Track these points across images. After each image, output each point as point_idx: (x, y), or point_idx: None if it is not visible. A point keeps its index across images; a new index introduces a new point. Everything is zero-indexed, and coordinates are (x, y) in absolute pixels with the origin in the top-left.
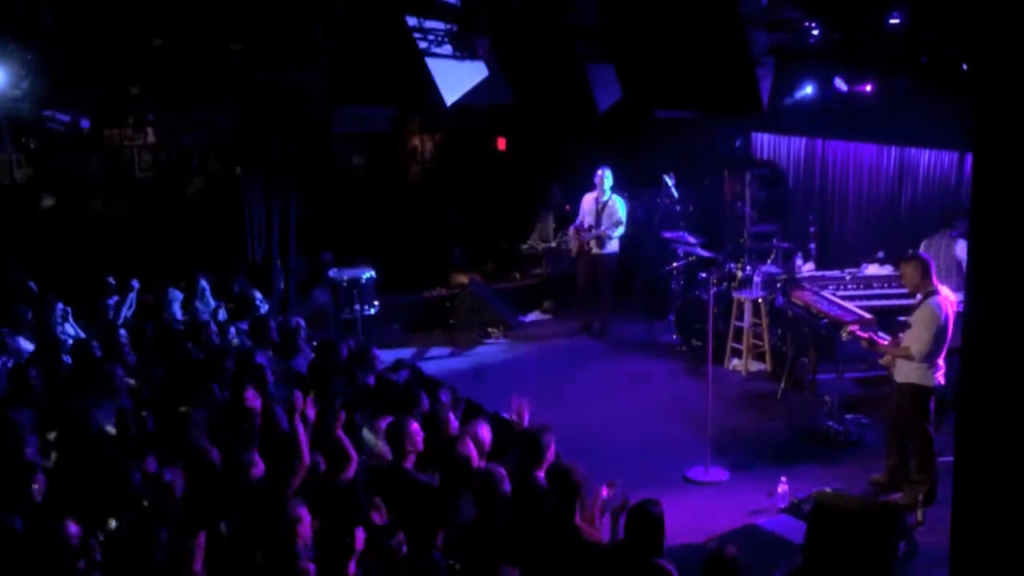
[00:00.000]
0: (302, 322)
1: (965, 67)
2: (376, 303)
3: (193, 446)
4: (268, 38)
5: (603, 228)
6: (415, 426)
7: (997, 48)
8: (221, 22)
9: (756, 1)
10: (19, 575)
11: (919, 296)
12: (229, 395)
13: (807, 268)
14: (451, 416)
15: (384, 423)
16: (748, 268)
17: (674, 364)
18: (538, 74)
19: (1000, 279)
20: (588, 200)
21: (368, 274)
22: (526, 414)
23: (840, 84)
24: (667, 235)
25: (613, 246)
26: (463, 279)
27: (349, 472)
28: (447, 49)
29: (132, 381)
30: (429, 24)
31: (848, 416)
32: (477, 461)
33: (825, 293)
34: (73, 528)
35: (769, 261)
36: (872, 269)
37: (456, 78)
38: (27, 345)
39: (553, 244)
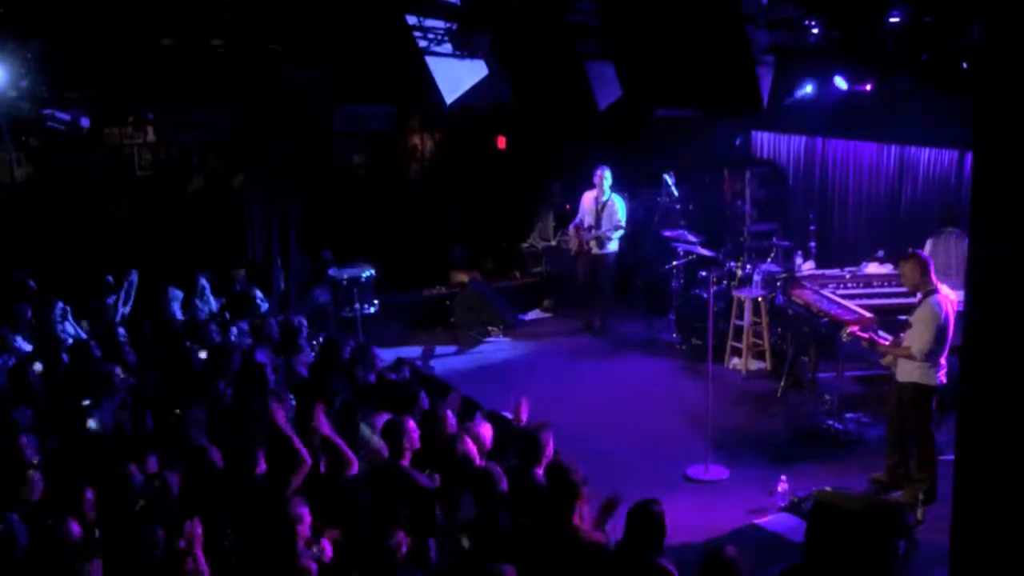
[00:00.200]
0: (303, 321)
1: (965, 66)
2: (376, 302)
3: (192, 445)
4: (268, 37)
5: (603, 230)
6: (412, 424)
7: (997, 48)
8: (221, 21)
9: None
10: (19, 575)
11: (919, 295)
12: (232, 394)
13: (807, 267)
14: (450, 415)
15: (381, 419)
16: (748, 267)
17: (674, 363)
18: (538, 73)
19: (1000, 279)
20: (588, 199)
21: (368, 273)
22: (524, 412)
23: (840, 83)
24: (667, 234)
25: (613, 245)
26: (463, 278)
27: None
28: (447, 48)
29: (132, 380)
30: (429, 23)
31: (848, 415)
32: (478, 460)
33: (825, 292)
34: (74, 528)
35: (769, 260)
36: (872, 268)
37: (456, 77)
38: (25, 345)
39: (553, 243)
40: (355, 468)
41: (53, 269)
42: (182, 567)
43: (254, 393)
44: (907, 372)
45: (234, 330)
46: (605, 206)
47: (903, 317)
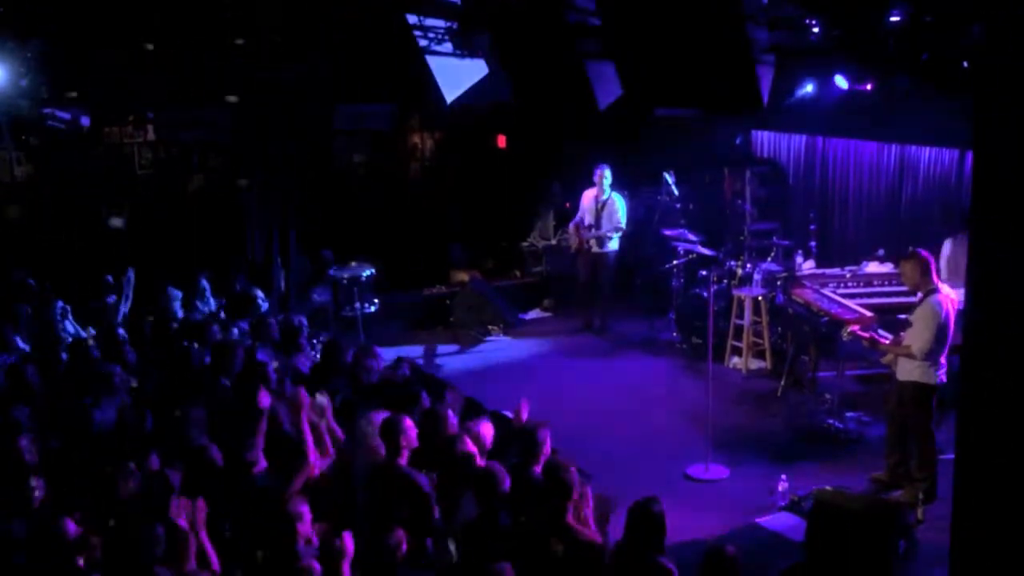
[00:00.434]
0: (304, 321)
1: (965, 65)
2: (376, 301)
3: (193, 444)
4: (268, 36)
5: (603, 230)
6: (409, 422)
7: (997, 47)
8: (221, 20)
9: None
10: (18, 574)
11: (920, 294)
12: (233, 393)
13: (807, 266)
14: (451, 414)
15: (379, 417)
16: (748, 266)
17: (674, 362)
18: (538, 72)
19: (1000, 279)
20: (588, 197)
21: (368, 272)
22: (525, 413)
23: (840, 82)
24: (667, 233)
25: (613, 244)
26: (463, 277)
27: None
28: (447, 47)
29: (132, 379)
30: (429, 22)
31: (848, 414)
32: (479, 459)
33: (826, 291)
34: (71, 527)
35: (769, 259)
36: (872, 267)
37: (456, 76)
38: (22, 344)
39: (553, 242)
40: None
41: (53, 268)
42: (185, 552)
43: (255, 392)
44: (907, 371)
45: (235, 330)
46: (605, 205)
47: (903, 316)
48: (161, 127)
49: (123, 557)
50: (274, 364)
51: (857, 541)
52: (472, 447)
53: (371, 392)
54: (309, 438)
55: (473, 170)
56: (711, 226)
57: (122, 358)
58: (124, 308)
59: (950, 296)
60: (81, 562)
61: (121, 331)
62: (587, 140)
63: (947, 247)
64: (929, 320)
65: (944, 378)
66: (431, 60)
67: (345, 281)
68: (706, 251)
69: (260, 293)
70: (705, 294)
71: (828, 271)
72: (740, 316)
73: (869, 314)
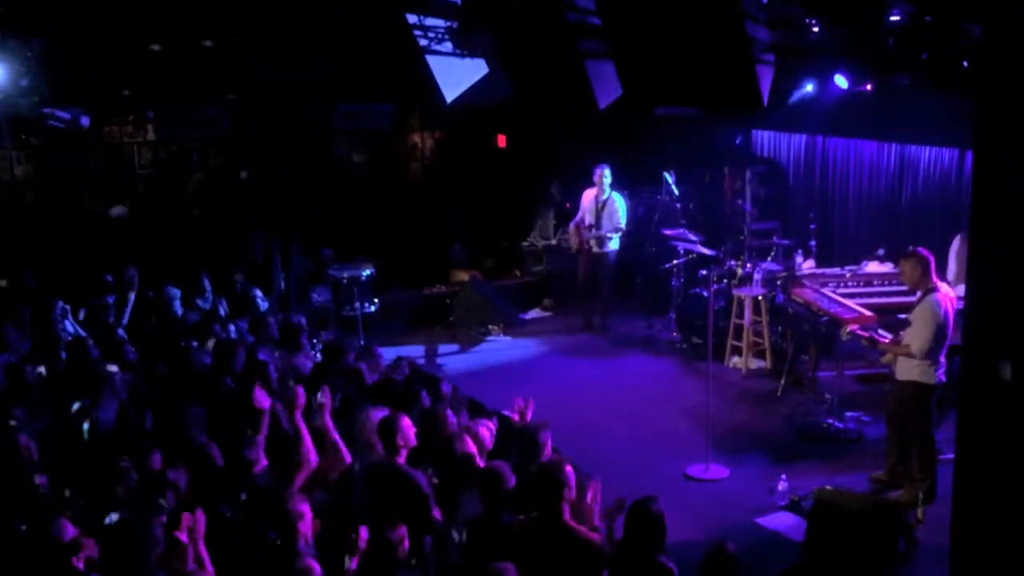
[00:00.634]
0: (303, 320)
1: (965, 65)
2: (376, 300)
3: (193, 443)
4: (268, 36)
5: (603, 230)
6: (407, 421)
7: (997, 47)
8: (221, 20)
9: None
10: (16, 574)
11: (919, 293)
12: (234, 392)
13: (807, 265)
14: (450, 413)
15: (377, 414)
16: (748, 265)
17: (674, 361)
18: (538, 71)
19: (1000, 279)
20: (588, 197)
21: (368, 271)
22: (530, 412)
23: (840, 81)
24: (667, 232)
25: (613, 244)
26: (463, 276)
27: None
28: (447, 47)
29: (132, 378)
30: (429, 22)
31: (848, 413)
32: (478, 459)
33: (825, 290)
34: (68, 527)
35: (769, 258)
36: (872, 266)
37: (456, 76)
38: (22, 343)
39: (553, 241)
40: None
41: (53, 267)
42: (183, 560)
43: (255, 391)
44: (907, 370)
45: (233, 328)
46: (605, 204)
47: (903, 316)
48: (161, 126)
49: (121, 557)
50: (274, 363)
51: (857, 541)
52: (472, 447)
53: (371, 392)
54: (307, 438)
55: (473, 170)
56: (711, 226)
57: (122, 357)
58: (127, 312)
59: (949, 295)
60: (80, 563)
61: (120, 330)
62: (587, 140)
63: (956, 242)
64: (928, 319)
65: (943, 377)
66: (431, 60)
67: (345, 281)
68: (706, 251)
69: (259, 292)
70: (705, 293)
71: (828, 270)
72: (740, 316)
73: (869, 314)
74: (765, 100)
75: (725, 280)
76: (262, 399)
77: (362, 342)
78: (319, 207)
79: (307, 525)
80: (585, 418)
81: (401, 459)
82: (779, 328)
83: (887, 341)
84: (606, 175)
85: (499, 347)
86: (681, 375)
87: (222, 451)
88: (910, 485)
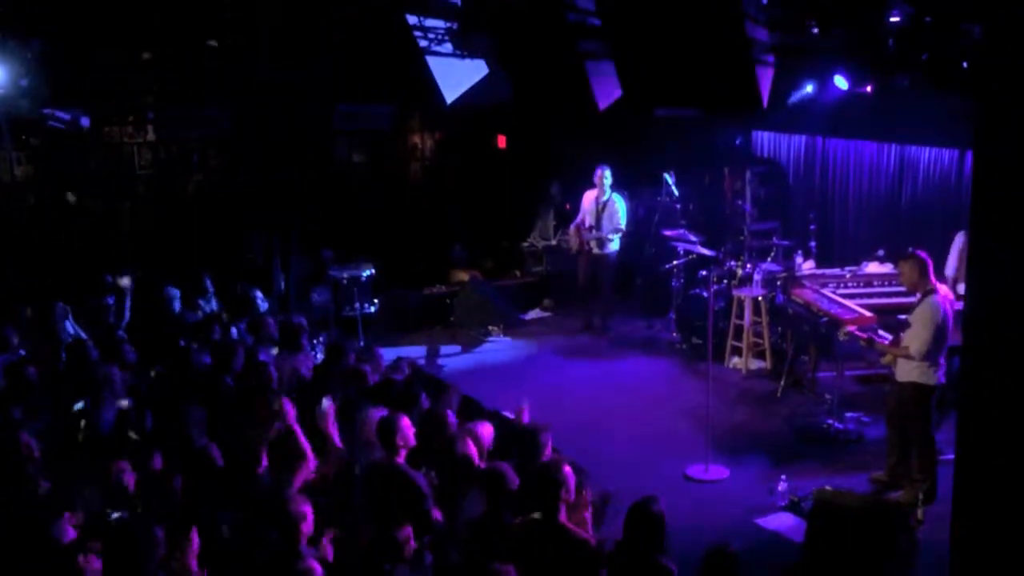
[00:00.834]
0: (304, 321)
1: (965, 65)
2: (376, 301)
3: (193, 444)
4: (268, 36)
5: (604, 231)
6: (406, 421)
7: (997, 47)
8: (221, 20)
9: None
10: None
11: (918, 295)
12: (234, 393)
13: (807, 266)
14: (451, 414)
15: (376, 414)
16: (748, 266)
17: (674, 362)
18: (538, 72)
19: (1000, 279)
20: (588, 198)
21: (368, 272)
22: (526, 417)
23: (840, 82)
24: (667, 233)
25: (613, 245)
26: (463, 277)
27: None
28: (447, 47)
29: (132, 379)
30: (429, 22)
31: (848, 414)
32: (477, 460)
33: (825, 291)
34: (68, 528)
35: (769, 259)
36: (872, 267)
37: (456, 76)
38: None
39: (553, 242)
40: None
41: (53, 268)
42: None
43: (256, 392)
44: (906, 371)
45: (234, 330)
46: (606, 206)
47: (903, 316)
48: (161, 127)
49: (122, 559)
50: (274, 364)
51: (857, 541)
52: (472, 448)
53: (372, 392)
54: (302, 438)
55: (473, 170)
56: (711, 226)
57: (121, 358)
58: (126, 313)
59: (949, 296)
60: (80, 563)
61: (120, 331)
62: (587, 140)
63: (960, 239)
64: (927, 321)
65: (943, 378)
66: (431, 60)
67: (345, 281)
68: (706, 251)
69: (259, 293)
70: (705, 294)
71: (828, 271)
72: (740, 316)
73: (869, 314)
74: (765, 101)
75: (725, 281)
76: (262, 400)
77: (362, 342)
78: (319, 208)
79: (309, 526)
80: (585, 418)
81: (400, 459)
82: (779, 329)
83: (886, 342)
84: (606, 176)
85: (499, 347)
86: (681, 376)
87: (222, 452)
88: (910, 486)
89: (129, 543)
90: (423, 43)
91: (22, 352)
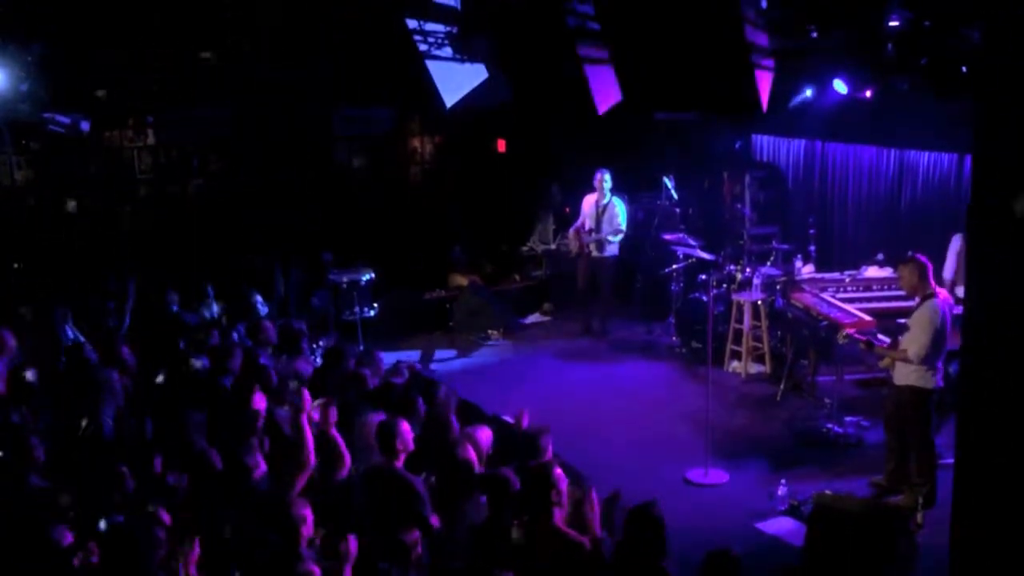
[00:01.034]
0: (303, 325)
1: (964, 69)
2: (376, 305)
3: (193, 448)
4: (269, 40)
5: (603, 233)
6: (405, 426)
7: (996, 51)
8: (222, 24)
9: (756, 3)
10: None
11: (917, 298)
12: (233, 397)
13: (807, 270)
14: (452, 419)
15: (376, 418)
16: (748, 270)
17: (674, 366)
18: (538, 76)
19: (1000, 280)
20: (588, 202)
21: (368, 276)
22: (525, 421)
23: (839, 87)
24: (667, 237)
25: (613, 249)
26: (463, 281)
27: (343, 473)
28: (447, 51)
29: (131, 383)
30: (429, 27)
31: (848, 418)
32: (477, 465)
33: (825, 295)
34: (65, 531)
35: (769, 263)
36: (872, 271)
37: (456, 80)
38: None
39: (553, 246)
40: (347, 469)
41: (53, 272)
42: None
43: (254, 396)
44: (905, 375)
45: (235, 334)
46: (606, 209)
47: (903, 320)
48: (161, 131)
49: (123, 562)
50: (275, 368)
51: (857, 545)
52: (471, 452)
53: (372, 396)
54: (310, 441)
55: (473, 174)
56: (710, 230)
57: (121, 362)
58: (126, 316)
59: (948, 300)
60: (78, 565)
61: (120, 335)
62: (586, 144)
63: (957, 242)
64: (926, 324)
65: (942, 382)
66: (431, 65)
67: (345, 285)
68: (705, 255)
69: (259, 297)
70: (704, 298)
71: (827, 275)
72: (739, 320)
73: (869, 318)
74: (765, 105)
75: (724, 285)
76: (259, 401)
77: (361, 347)
78: (319, 211)
79: (309, 529)
80: (584, 422)
81: (400, 463)
82: (778, 333)
83: (885, 346)
84: (606, 179)
85: (498, 351)
86: (680, 380)
87: (221, 455)
88: (910, 490)
89: (129, 545)
90: (423, 47)
91: (24, 354)
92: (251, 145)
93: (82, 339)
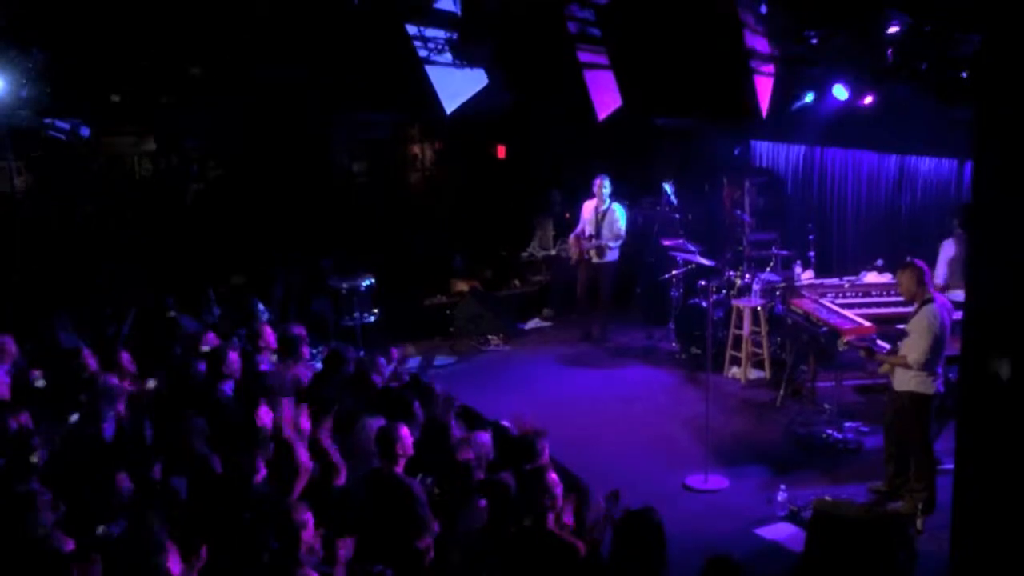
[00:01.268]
0: (303, 330)
1: (964, 75)
2: (376, 310)
3: (195, 453)
4: (269, 44)
5: (603, 239)
6: (405, 430)
7: (996, 57)
8: (222, 28)
9: (756, 10)
10: None
11: (916, 304)
12: (232, 402)
13: (806, 276)
14: (453, 424)
15: (376, 424)
16: (747, 276)
17: (673, 372)
18: (538, 82)
19: (999, 288)
20: (588, 208)
21: (368, 281)
22: (523, 425)
23: (839, 92)
24: (667, 243)
25: (613, 254)
26: (463, 286)
27: (339, 480)
28: (447, 58)
29: (131, 389)
30: (429, 33)
31: (847, 424)
32: (476, 470)
33: (824, 301)
34: (68, 543)
35: (768, 269)
36: (871, 277)
37: (456, 86)
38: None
39: (553, 252)
40: (343, 477)
41: (53, 278)
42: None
43: (255, 400)
44: (904, 381)
45: (235, 340)
46: (605, 215)
47: (902, 326)
48: (161, 137)
49: (126, 568)
50: (274, 373)
51: (856, 551)
52: (473, 458)
53: (371, 401)
54: (301, 446)
55: (473, 180)
56: (710, 236)
57: (120, 368)
58: (125, 327)
59: (947, 306)
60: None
61: (120, 341)
62: (586, 150)
63: (950, 248)
64: (925, 330)
65: (942, 388)
66: (431, 70)
67: (345, 291)
68: (705, 261)
69: (260, 303)
70: (704, 304)
71: (827, 281)
72: (739, 326)
73: (868, 324)
74: (764, 111)
75: (724, 290)
76: (261, 408)
77: (362, 353)
78: (319, 216)
79: (309, 534)
80: (584, 428)
81: (399, 468)
82: (778, 338)
83: (885, 352)
84: (605, 185)
85: (498, 357)
86: (680, 385)
87: (220, 460)
88: (909, 496)
89: (133, 553)
90: (423, 53)
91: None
92: (251, 151)
93: (81, 345)
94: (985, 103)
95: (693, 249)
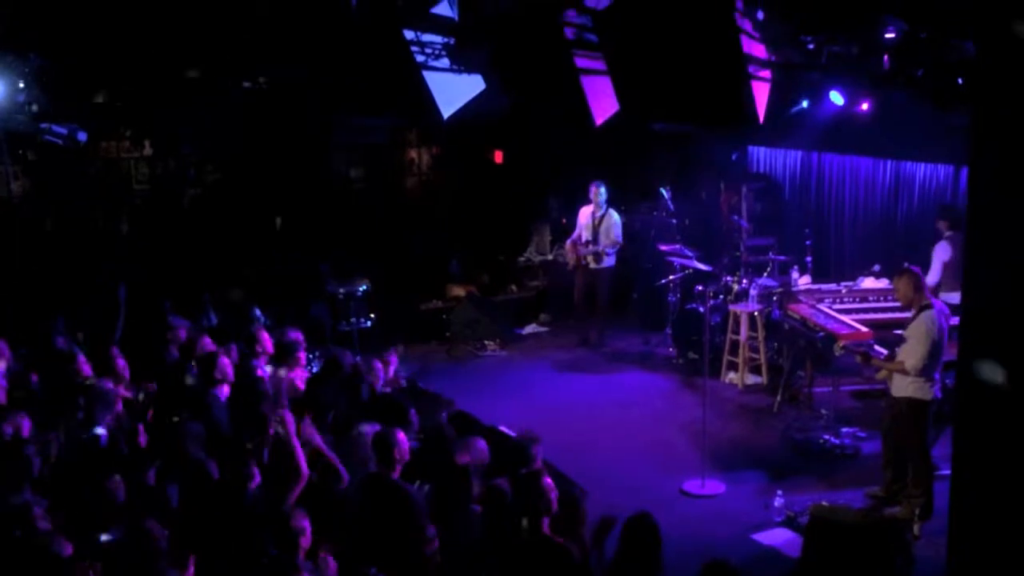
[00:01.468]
0: (300, 335)
1: (960, 81)
2: (372, 315)
3: (190, 458)
4: (267, 47)
5: (600, 246)
6: (402, 436)
7: (992, 62)
8: (219, 32)
9: (753, 16)
10: None
11: (913, 310)
12: (228, 407)
13: (803, 281)
14: (449, 429)
15: (372, 429)
16: (744, 281)
17: (670, 377)
18: (535, 87)
19: (996, 293)
20: (584, 214)
21: (365, 286)
22: (515, 432)
23: (835, 98)
24: (664, 248)
25: (609, 260)
26: (460, 291)
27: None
28: (444, 63)
29: (127, 393)
30: (427, 38)
31: (844, 429)
32: (473, 475)
33: (821, 306)
34: (66, 543)
35: (765, 274)
36: (868, 282)
37: (453, 91)
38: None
39: (550, 257)
40: (345, 482)
41: (48, 282)
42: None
43: (251, 406)
44: (902, 387)
45: (232, 345)
46: (602, 220)
47: (899, 332)
48: (158, 141)
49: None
50: (270, 378)
51: (853, 557)
52: (469, 463)
53: (367, 407)
54: (300, 451)
55: (470, 185)
56: (707, 241)
57: (115, 373)
58: (119, 329)
59: (944, 311)
60: None
61: (114, 346)
62: (584, 155)
63: (946, 250)
64: (922, 336)
65: (939, 393)
66: (428, 76)
67: (341, 295)
68: (702, 266)
69: (256, 308)
70: (701, 309)
71: (824, 286)
72: (736, 331)
73: (865, 330)
74: (761, 116)
75: (721, 296)
76: (259, 411)
77: (358, 357)
78: (316, 221)
79: (307, 540)
80: (581, 433)
81: (396, 474)
82: (775, 344)
83: (882, 357)
84: (601, 191)
85: (495, 362)
86: (677, 391)
87: (216, 465)
88: (907, 501)
89: (131, 558)
90: (420, 58)
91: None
92: (248, 155)
93: (76, 349)
94: (981, 108)
95: (690, 254)
